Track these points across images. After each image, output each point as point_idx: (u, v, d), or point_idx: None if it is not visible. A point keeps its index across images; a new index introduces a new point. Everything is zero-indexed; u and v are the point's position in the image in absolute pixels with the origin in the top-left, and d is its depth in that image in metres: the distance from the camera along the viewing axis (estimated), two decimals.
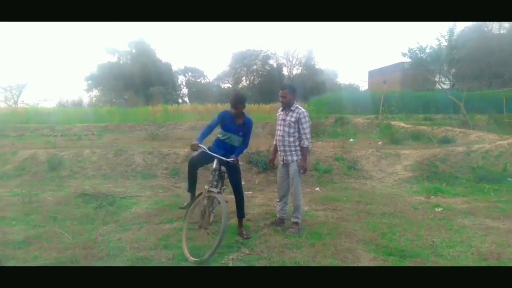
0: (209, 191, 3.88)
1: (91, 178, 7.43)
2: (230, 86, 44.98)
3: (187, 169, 4.42)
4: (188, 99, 41.62)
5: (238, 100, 4.20)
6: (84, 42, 74.84)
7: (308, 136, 4.36)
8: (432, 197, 6.11)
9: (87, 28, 73.64)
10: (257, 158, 7.70)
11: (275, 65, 44.86)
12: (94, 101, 36.91)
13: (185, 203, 4.37)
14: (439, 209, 5.35)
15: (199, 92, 39.91)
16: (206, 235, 3.78)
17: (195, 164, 4.35)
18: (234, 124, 4.28)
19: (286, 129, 4.37)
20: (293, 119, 4.34)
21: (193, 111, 23.75)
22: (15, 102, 36.67)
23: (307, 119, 4.36)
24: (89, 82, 39.39)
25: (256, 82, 43.58)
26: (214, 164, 4.09)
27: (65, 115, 21.57)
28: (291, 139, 4.36)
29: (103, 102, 34.72)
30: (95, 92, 40.06)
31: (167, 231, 4.48)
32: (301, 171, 4.39)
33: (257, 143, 8.76)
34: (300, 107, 4.44)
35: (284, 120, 4.41)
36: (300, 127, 4.33)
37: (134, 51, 39.56)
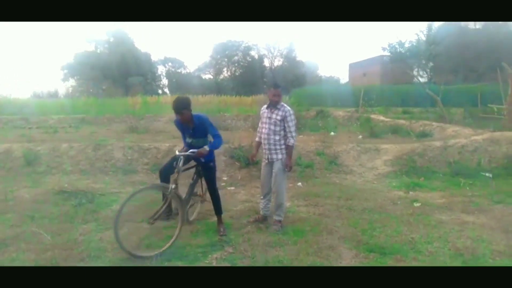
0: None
1: (69, 174, 7.25)
2: (212, 77, 44.68)
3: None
4: (169, 90, 41.21)
5: (178, 106, 4.06)
6: (60, 30, 72.34)
7: (294, 134, 4.37)
8: (410, 192, 6.27)
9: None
10: (239, 153, 7.68)
11: (256, 56, 44.82)
12: (70, 91, 35.91)
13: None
14: (417, 204, 5.50)
15: (179, 83, 39.45)
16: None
17: (162, 172, 4.37)
18: (189, 129, 4.24)
19: (272, 127, 4.35)
20: (279, 117, 4.32)
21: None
22: None
23: (293, 117, 4.37)
24: (65, 71, 38.31)
25: (237, 74, 43.45)
26: (179, 162, 4.02)
27: (41, 106, 20.86)
28: (277, 137, 4.36)
29: (80, 92, 33.83)
30: (71, 82, 39.02)
31: (149, 230, 4.42)
32: (286, 169, 4.40)
33: (239, 137, 8.74)
34: (285, 105, 4.44)
35: (269, 118, 4.39)
36: (286, 125, 4.33)
37: (112, 39, 38.65)
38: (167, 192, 3.92)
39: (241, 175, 7.29)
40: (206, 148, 4.10)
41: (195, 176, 4.53)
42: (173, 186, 3.93)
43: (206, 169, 4.37)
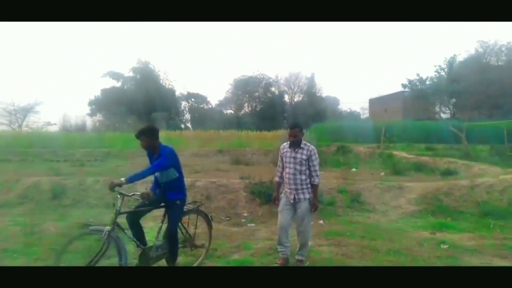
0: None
1: (94, 208, 7.41)
2: (233, 112, 45.49)
3: None
4: (191, 124, 42.02)
5: (138, 132, 3.95)
6: (89, 67, 76.28)
7: (318, 173, 4.36)
8: (437, 232, 6.06)
9: (92, 53, 75.20)
10: (260, 189, 7.68)
11: (276, 92, 45.56)
12: (97, 125, 37.18)
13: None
14: (445, 246, 5.29)
15: (201, 118, 40.31)
16: None
17: (127, 217, 4.05)
18: (154, 159, 3.98)
19: (298, 167, 4.31)
20: (304, 157, 4.30)
21: (195, 137, 23.90)
22: (19, 126, 36.95)
23: (317, 156, 4.36)
24: (93, 106, 39.94)
25: (258, 109, 44.13)
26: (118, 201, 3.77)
27: (69, 139, 21.69)
28: (303, 177, 4.30)
29: (106, 126, 34.98)
30: (98, 117, 40.46)
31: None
32: (312, 209, 4.35)
33: (260, 173, 8.79)
34: (308, 143, 4.43)
35: (294, 157, 4.34)
36: (311, 164, 4.30)
37: (138, 76, 40.29)
38: (101, 235, 3.60)
39: (262, 211, 7.26)
40: (149, 193, 3.93)
41: (163, 217, 4.18)
42: (108, 228, 3.60)
43: (170, 207, 4.07)
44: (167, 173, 4.00)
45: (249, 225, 6.59)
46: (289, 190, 4.40)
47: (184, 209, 4.29)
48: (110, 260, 3.96)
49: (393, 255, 4.89)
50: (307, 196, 4.31)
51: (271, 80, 45.55)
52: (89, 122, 40.45)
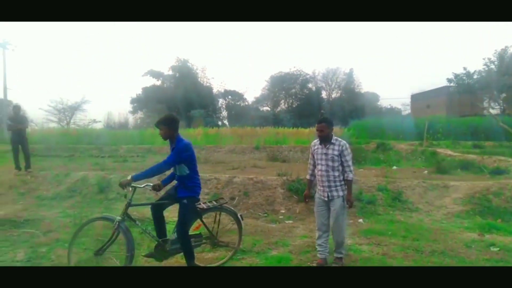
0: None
1: (136, 201, 7.68)
2: (269, 109, 45.49)
3: None
4: (228, 121, 42.51)
5: (158, 120, 3.92)
6: (131, 66, 79.25)
7: (352, 168, 4.24)
8: (486, 234, 5.73)
9: (134, 52, 78.00)
10: (297, 186, 7.63)
11: (314, 88, 44.99)
12: (138, 122, 38.57)
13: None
14: (495, 249, 4.99)
15: (238, 115, 40.66)
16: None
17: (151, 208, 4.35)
18: (171, 151, 3.92)
19: (330, 163, 4.21)
20: (336, 152, 4.20)
21: (232, 134, 24.15)
22: (68, 123, 39.16)
23: (349, 150, 4.25)
24: (135, 104, 41.46)
25: (294, 106, 43.84)
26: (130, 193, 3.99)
27: (112, 136, 22.69)
28: (336, 173, 4.21)
29: (147, 124, 36.21)
30: (139, 114, 41.95)
31: (209, 260, 4.52)
32: (347, 205, 4.25)
33: (297, 170, 8.73)
34: (340, 139, 4.32)
35: (325, 154, 4.25)
36: (343, 159, 4.20)
37: (177, 75, 41.32)
38: (113, 224, 3.80)
39: (299, 208, 7.21)
40: (157, 185, 4.00)
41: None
42: (119, 218, 3.80)
43: (179, 205, 4.01)
44: (180, 167, 3.93)
45: (286, 222, 6.58)
46: (322, 188, 4.31)
47: (205, 207, 4.24)
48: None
49: (438, 257, 4.68)
50: (341, 193, 4.22)
51: (308, 76, 45.06)
52: (131, 119, 42.16)
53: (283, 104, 46.18)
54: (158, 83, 42.53)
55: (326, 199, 4.26)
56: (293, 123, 33.04)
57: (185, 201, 3.94)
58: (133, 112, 42.16)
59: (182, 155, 3.81)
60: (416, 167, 11.73)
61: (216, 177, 8.51)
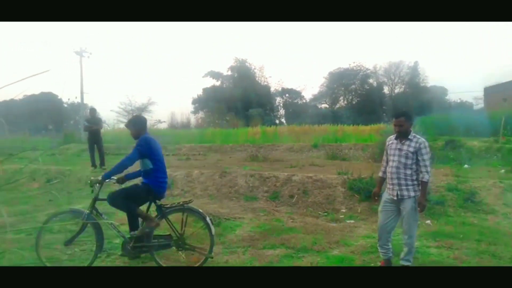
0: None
1: (199, 198, 8.01)
2: (327, 106, 44.68)
3: None
4: (285, 119, 42.51)
5: (127, 122, 4.34)
6: (193, 68, 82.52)
7: (429, 169, 3.91)
8: None
9: (195, 54, 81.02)
10: (359, 185, 7.40)
11: (375, 84, 43.31)
12: (199, 122, 40.07)
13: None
14: None
15: (296, 113, 40.46)
16: None
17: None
18: None
19: (403, 160, 3.96)
20: (411, 149, 3.93)
21: (290, 132, 24.10)
22: None
23: (427, 149, 3.93)
24: (196, 105, 43.12)
25: (354, 102, 42.61)
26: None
27: (176, 136, 23.82)
28: (408, 171, 3.94)
29: (208, 123, 37.48)
30: (200, 114, 43.56)
31: (270, 258, 4.55)
32: (419, 208, 3.95)
33: (359, 168, 8.47)
34: (418, 136, 4.03)
35: (400, 150, 4.00)
36: (420, 158, 3.90)
37: (236, 75, 42.22)
38: (81, 218, 3.95)
39: (361, 208, 6.99)
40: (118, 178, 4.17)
41: (147, 210, 4.24)
42: (87, 211, 3.99)
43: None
44: (143, 162, 4.08)
45: (347, 221, 6.41)
46: (391, 186, 4.06)
47: (168, 206, 4.20)
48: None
49: None
50: (412, 193, 3.93)
51: (368, 71, 43.44)
52: (192, 119, 43.90)
53: (342, 101, 45.08)
54: (218, 83, 43.79)
55: (395, 198, 4.01)
56: (352, 120, 32.10)
57: (140, 183, 4.10)
58: (195, 112, 43.89)
59: (141, 149, 3.98)
60: (491, 166, 10.76)
61: (274, 175, 8.56)
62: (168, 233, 4.21)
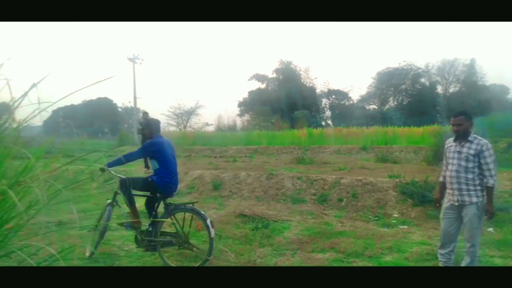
0: None
1: (247, 199, 8.09)
2: (376, 107, 43.30)
3: None
4: (332, 121, 41.78)
5: (141, 126, 4.78)
6: (239, 71, 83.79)
7: (493, 172, 3.62)
8: None
9: (241, 58, 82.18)
10: (412, 189, 7.07)
11: (427, 83, 41.28)
12: (245, 125, 40.55)
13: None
14: None
15: (342, 115, 39.66)
16: None
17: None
18: None
19: (463, 163, 3.72)
20: (472, 152, 3.67)
21: (337, 134, 23.61)
22: (184, 127, 43.39)
23: (491, 151, 3.65)
24: (242, 108, 43.70)
25: (405, 103, 40.93)
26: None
27: (223, 138, 24.31)
28: (470, 175, 3.68)
29: (253, 126, 37.80)
30: (246, 117, 44.09)
31: (320, 261, 4.48)
32: (486, 216, 3.68)
33: (410, 172, 8.11)
34: (480, 137, 3.76)
35: (459, 152, 3.76)
36: (482, 161, 3.64)
37: (281, 77, 42.22)
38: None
39: (415, 213, 6.67)
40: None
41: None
42: (109, 201, 4.53)
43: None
44: (152, 162, 4.48)
45: (400, 227, 6.15)
46: (451, 191, 3.83)
47: (173, 205, 4.37)
48: None
49: None
50: (474, 199, 3.66)
51: (420, 70, 41.46)
52: (238, 122, 44.56)
53: (391, 101, 43.44)
54: (263, 86, 44.06)
55: (456, 203, 3.77)
56: (403, 121, 30.83)
57: (149, 179, 4.36)
58: (240, 115, 44.47)
59: (144, 150, 4.51)
60: None
61: (322, 178, 8.43)
62: (174, 232, 4.37)
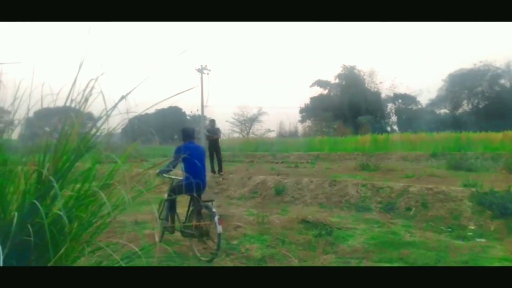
0: None
1: (309, 205, 8.05)
2: (447, 111, 40.47)
3: None
4: (398, 127, 39.92)
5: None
6: (301, 77, 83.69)
7: None
8: None
9: (303, 63, 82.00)
10: (492, 200, 6.50)
11: (508, 84, 37.67)
12: (307, 131, 40.38)
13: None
14: None
15: (410, 120, 37.66)
16: None
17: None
18: None
19: None
20: None
21: (403, 140, 22.49)
22: (247, 133, 44.45)
23: None
24: (303, 114, 43.53)
25: (481, 106, 37.73)
26: None
27: (284, 144, 24.45)
28: None
29: (315, 132, 37.46)
30: (308, 123, 43.87)
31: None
32: None
33: (488, 181, 7.48)
34: None
35: None
36: None
37: (344, 82, 41.40)
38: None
39: (495, 226, 6.11)
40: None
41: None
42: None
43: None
44: (181, 166, 4.94)
45: (477, 240, 5.69)
46: None
47: (196, 201, 4.90)
48: None
49: None
50: None
51: (499, 70, 37.96)
52: (300, 128, 44.48)
53: (465, 105, 40.30)
54: (325, 92, 43.52)
55: None
56: (479, 126, 28.40)
57: (184, 181, 4.92)
58: (302, 121, 44.37)
59: (173, 159, 4.95)
60: None
61: (389, 185, 8.10)
62: (198, 223, 4.79)
